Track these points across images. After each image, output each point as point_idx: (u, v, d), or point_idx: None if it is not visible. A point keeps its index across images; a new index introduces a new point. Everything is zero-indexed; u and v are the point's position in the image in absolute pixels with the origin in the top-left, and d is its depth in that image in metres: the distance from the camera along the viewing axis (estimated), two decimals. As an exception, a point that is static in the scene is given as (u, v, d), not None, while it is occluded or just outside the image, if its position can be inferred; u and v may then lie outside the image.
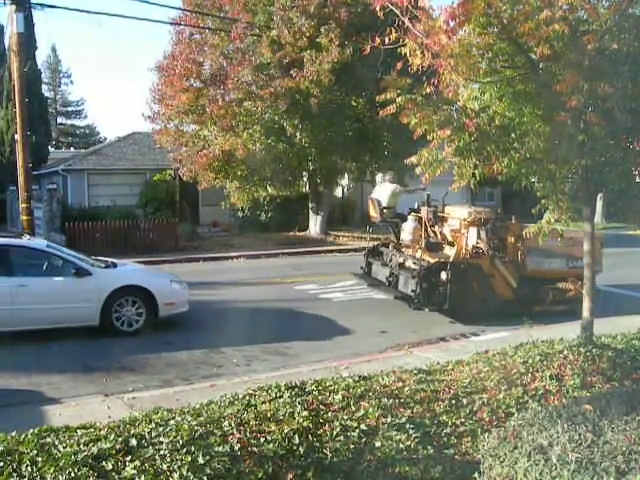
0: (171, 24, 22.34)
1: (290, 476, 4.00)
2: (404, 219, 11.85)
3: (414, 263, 11.10)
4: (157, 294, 10.00)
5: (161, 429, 4.32)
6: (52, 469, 3.72)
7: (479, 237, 10.82)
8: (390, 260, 11.99)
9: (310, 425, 4.54)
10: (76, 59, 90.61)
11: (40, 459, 3.84)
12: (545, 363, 6.08)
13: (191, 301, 10.62)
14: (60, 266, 9.80)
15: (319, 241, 22.99)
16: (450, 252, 11.09)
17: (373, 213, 12.65)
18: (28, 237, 11.16)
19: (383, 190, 12.60)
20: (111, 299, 9.69)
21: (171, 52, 22.21)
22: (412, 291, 10.61)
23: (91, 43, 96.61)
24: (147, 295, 9.93)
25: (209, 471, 3.80)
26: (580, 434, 4.07)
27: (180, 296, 10.41)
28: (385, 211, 12.21)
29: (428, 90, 6.01)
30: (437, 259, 10.85)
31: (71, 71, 65.04)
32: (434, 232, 11.54)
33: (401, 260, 11.62)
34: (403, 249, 11.98)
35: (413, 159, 6.35)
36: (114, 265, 10.71)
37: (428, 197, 11.56)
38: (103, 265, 10.41)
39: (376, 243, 13.20)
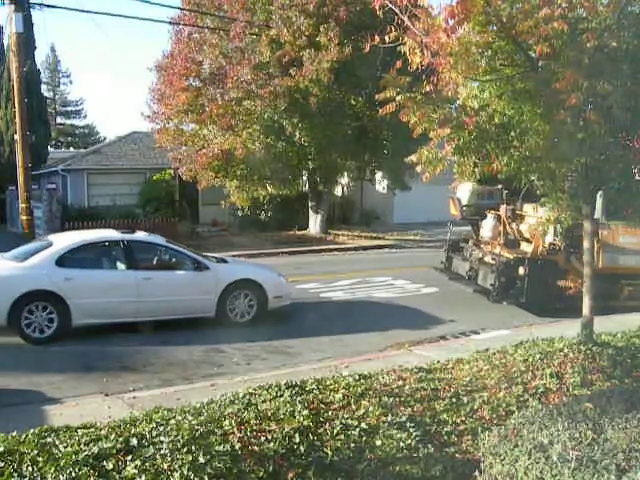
0: (170, 23, 22.34)
1: (291, 475, 4.00)
2: (484, 217, 12.47)
3: (492, 258, 11.62)
4: (267, 287, 10.53)
5: (162, 428, 4.32)
6: (53, 469, 3.72)
7: (555, 234, 11.18)
8: (470, 255, 12.57)
9: (311, 424, 4.55)
10: (75, 59, 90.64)
11: (41, 459, 3.83)
12: (545, 361, 6.09)
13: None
14: (180, 260, 10.37)
15: (319, 240, 22.99)
16: (527, 248, 11.56)
17: (454, 211, 13.35)
18: (145, 233, 11.57)
19: (464, 189, 13.21)
20: (226, 292, 10.21)
21: (170, 51, 22.19)
22: (491, 285, 11.18)
23: (90, 43, 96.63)
24: (258, 288, 10.43)
25: (210, 470, 3.80)
26: (580, 432, 4.07)
27: (286, 290, 10.95)
28: (465, 209, 12.95)
29: (427, 88, 6.01)
30: (515, 255, 11.32)
31: (70, 71, 65.11)
32: (512, 229, 12.02)
33: (480, 255, 12.18)
34: (482, 245, 12.59)
35: (413, 158, 6.34)
36: (224, 260, 11.31)
37: (506, 195, 11.85)
38: (215, 260, 10.91)
39: (457, 239, 13.95)
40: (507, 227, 11.90)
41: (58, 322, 9.29)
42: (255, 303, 10.44)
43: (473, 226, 13.30)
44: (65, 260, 9.58)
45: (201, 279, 10.16)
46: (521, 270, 10.90)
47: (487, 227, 12.39)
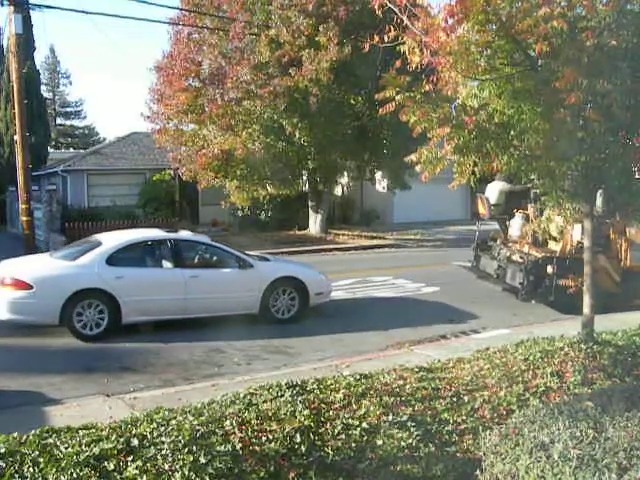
0: (169, 24, 22.33)
1: (292, 475, 4.00)
2: (512, 216, 12.64)
3: (521, 257, 11.74)
4: (309, 285, 10.74)
5: (163, 429, 4.32)
6: (54, 470, 3.72)
7: (583, 233, 11.15)
8: (498, 254, 12.67)
9: (311, 424, 4.55)
10: (75, 60, 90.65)
11: (42, 460, 3.83)
12: (546, 360, 6.08)
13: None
14: (225, 259, 10.57)
15: (319, 240, 22.99)
16: (555, 247, 11.70)
17: (482, 210, 13.50)
18: (189, 232, 11.81)
19: (492, 188, 13.42)
20: (269, 289, 10.41)
21: (170, 52, 22.18)
22: (520, 283, 11.33)
23: (89, 43, 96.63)
24: (300, 285, 10.63)
25: (211, 470, 3.80)
26: (581, 431, 4.07)
27: (326, 287, 11.17)
28: (493, 208, 13.09)
29: (427, 88, 6.01)
30: (543, 254, 11.43)
31: (70, 72, 65.22)
32: (539, 228, 12.01)
33: (509, 254, 12.30)
34: (510, 244, 12.70)
35: (413, 157, 6.34)
36: (266, 258, 11.62)
37: (535, 195, 11.96)
38: (257, 258, 11.16)
39: (485, 237, 14.00)
40: (535, 226, 11.98)
41: (108, 319, 9.51)
42: (297, 300, 10.65)
43: (501, 225, 13.48)
44: (115, 259, 9.80)
45: (245, 277, 10.37)
46: (549, 269, 11.02)
47: (515, 226, 12.56)
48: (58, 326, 9.45)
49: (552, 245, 11.86)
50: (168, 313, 9.96)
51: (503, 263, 12.21)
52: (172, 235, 10.73)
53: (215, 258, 10.68)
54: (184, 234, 11.16)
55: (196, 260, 10.62)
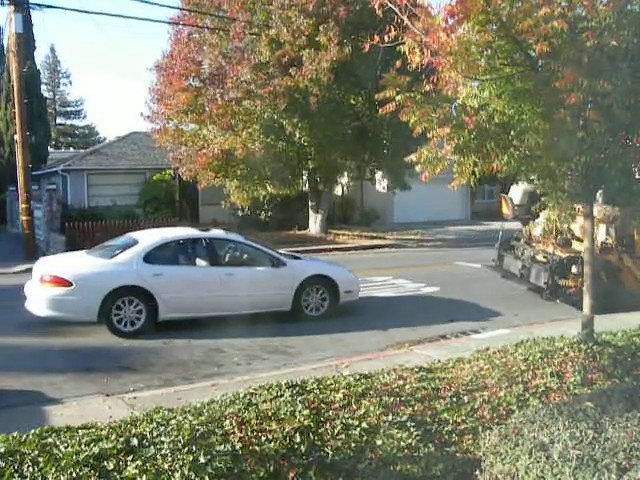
0: (170, 23, 22.34)
1: (291, 475, 4.00)
2: (536, 216, 12.66)
3: (544, 257, 11.83)
4: (339, 283, 10.94)
5: (162, 428, 4.32)
6: (53, 469, 3.72)
7: (608, 234, 11.49)
8: (522, 254, 12.73)
9: (311, 424, 4.54)
10: (75, 59, 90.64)
11: (41, 459, 3.83)
12: (546, 360, 6.08)
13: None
14: (259, 257, 10.76)
15: (319, 240, 23.00)
16: (579, 247, 11.69)
17: (506, 210, 13.75)
18: (222, 231, 11.97)
19: (516, 189, 13.68)
20: (301, 287, 10.62)
21: (170, 52, 22.19)
22: (544, 283, 11.43)
23: (90, 43, 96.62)
24: (330, 283, 10.84)
25: (210, 470, 3.80)
26: (581, 431, 4.07)
27: (356, 285, 11.35)
28: (517, 208, 13.37)
29: (427, 88, 6.01)
30: (568, 254, 11.49)
31: (70, 71, 65.23)
32: (563, 228, 12.19)
33: (532, 254, 12.37)
34: (534, 244, 12.78)
35: (413, 157, 6.34)
36: (297, 257, 11.83)
37: None
38: (289, 257, 11.38)
39: (509, 237, 14.06)
40: (558, 226, 12.12)
41: (146, 316, 9.67)
42: (327, 298, 10.85)
43: (525, 225, 13.59)
44: (152, 257, 9.96)
45: (279, 275, 10.54)
46: (574, 269, 11.09)
47: (539, 226, 12.64)
48: (96, 323, 9.64)
49: (576, 245, 11.90)
50: (203, 310, 10.11)
51: (527, 263, 12.30)
52: (207, 233, 10.95)
53: (249, 256, 10.85)
54: (217, 233, 11.37)
55: (231, 258, 10.79)
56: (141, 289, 9.63)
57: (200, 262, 10.47)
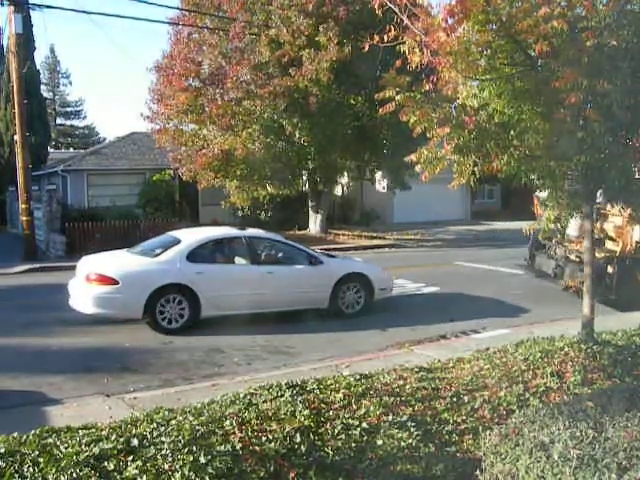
0: (169, 24, 22.35)
1: (292, 475, 4.00)
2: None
3: (577, 256, 11.85)
4: (374, 281, 11.14)
5: (162, 429, 4.32)
6: (54, 470, 3.72)
7: None
8: (554, 253, 12.80)
9: (311, 424, 4.54)
10: (75, 59, 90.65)
11: (42, 460, 3.83)
12: (546, 360, 6.08)
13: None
14: (297, 255, 10.95)
15: (319, 240, 22.99)
16: (613, 247, 11.87)
17: (538, 210, 13.76)
18: (259, 230, 12.25)
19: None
20: (338, 284, 10.82)
21: (170, 52, 22.19)
22: (580, 282, 11.29)
23: (89, 43, 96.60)
24: (366, 281, 11.05)
25: (211, 470, 3.80)
26: (581, 431, 4.07)
27: (389, 282, 11.60)
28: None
29: (427, 88, 6.01)
30: (603, 254, 11.55)
31: (70, 72, 65.21)
32: (596, 228, 12.25)
33: (566, 254, 12.45)
34: (566, 243, 12.83)
35: (413, 157, 6.34)
36: (332, 255, 12.11)
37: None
38: (325, 255, 11.59)
39: (541, 237, 14.08)
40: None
41: (189, 314, 9.86)
42: (363, 295, 11.04)
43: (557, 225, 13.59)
44: (195, 255, 10.15)
45: (317, 273, 10.74)
46: (610, 268, 11.20)
47: (573, 226, 12.58)
48: (141, 320, 9.87)
49: (609, 245, 12.02)
50: (243, 308, 10.22)
51: (561, 262, 12.38)
52: (246, 232, 11.15)
53: (287, 255, 10.99)
54: (255, 231, 11.63)
55: (270, 256, 10.90)
56: (185, 287, 9.82)
57: (240, 260, 10.67)
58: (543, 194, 13.48)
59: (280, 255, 10.94)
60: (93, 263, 10.37)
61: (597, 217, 12.27)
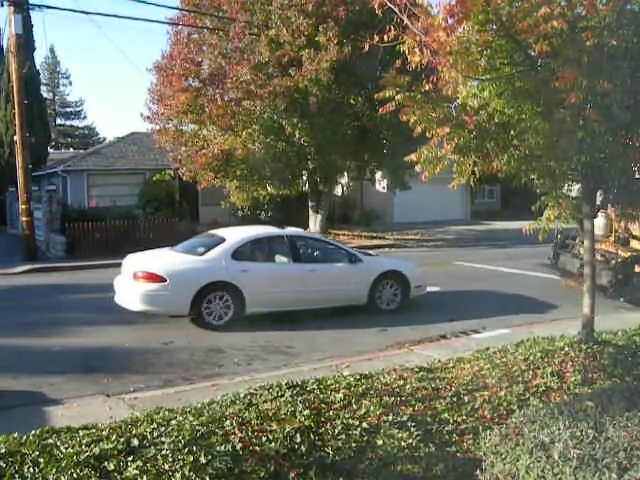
0: (169, 24, 22.32)
1: (292, 475, 4.00)
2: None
3: (602, 256, 12.02)
4: (410, 278, 11.39)
5: (163, 429, 4.32)
6: (54, 470, 3.72)
7: None
8: (579, 252, 12.82)
9: (312, 424, 4.54)
10: (74, 60, 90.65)
11: (42, 460, 3.83)
12: (546, 360, 6.08)
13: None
14: (337, 254, 11.20)
15: (319, 240, 22.93)
16: (638, 246, 12.04)
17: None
18: (298, 229, 12.57)
19: (574, 189, 13.89)
20: (376, 282, 11.05)
21: (169, 52, 22.17)
22: (608, 282, 11.65)
23: (89, 43, 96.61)
24: (402, 278, 11.30)
25: (211, 471, 3.80)
26: (582, 431, 4.07)
27: (424, 280, 11.83)
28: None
29: (427, 88, 6.01)
30: (630, 253, 11.74)
31: (70, 72, 65.20)
32: (620, 227, 12.55)
33: None
34: None
35: (413, 157, 6.34)
36: (369, 254, 12.35)
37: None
38: (363, 253, 11.80)
39: (565, 236, 14.26)
40: (615, 225, 12.38)
41: (234, 310, 10.04)
42: (399, 292, 11.28)
43: (581, 224, 13.59)
44: (239, 254, 10.39)
45: (356, 271, 10.96)
46: (637, 268, 11.33)
47: (598, 225, 12.81)
48: (187, 316, 10.13)
49: (635, 244, 12.14)
50: (286, 305, 10.50)
51: None
52: (287, 231, 11.40)
53: (328, 253, 11.25)
54: (295, 230, 11.93)
55: (311, 255, 11.18)
56: (230, 284, 10.00)
57: (282, 259, 10.89)
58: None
59: (321, 253, 11.22)
60: (139, 261, 10.57)
61: (620, 217, 12.46)
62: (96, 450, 3.93)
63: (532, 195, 7.06)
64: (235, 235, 10.89)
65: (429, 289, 13.37)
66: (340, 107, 20.35)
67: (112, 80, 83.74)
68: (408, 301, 11.37)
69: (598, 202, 6.76)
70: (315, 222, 24.50)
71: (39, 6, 17.86)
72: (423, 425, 4.73)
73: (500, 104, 5.86)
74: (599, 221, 12.82)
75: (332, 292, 10.75)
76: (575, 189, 6.94)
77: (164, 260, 10.54)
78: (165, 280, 9.77)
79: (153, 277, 9.82)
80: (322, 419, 4.67)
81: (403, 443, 4.42)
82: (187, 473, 3.74)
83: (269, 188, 22.54)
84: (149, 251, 11.48)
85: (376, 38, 5.85)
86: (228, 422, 4.49)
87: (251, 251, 10.73)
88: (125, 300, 10.14)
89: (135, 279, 9.89)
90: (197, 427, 4.33)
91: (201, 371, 8.07)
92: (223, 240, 10.61)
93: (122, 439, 4.11)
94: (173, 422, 4.49)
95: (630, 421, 4.24)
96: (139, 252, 11.37)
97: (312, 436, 4.40)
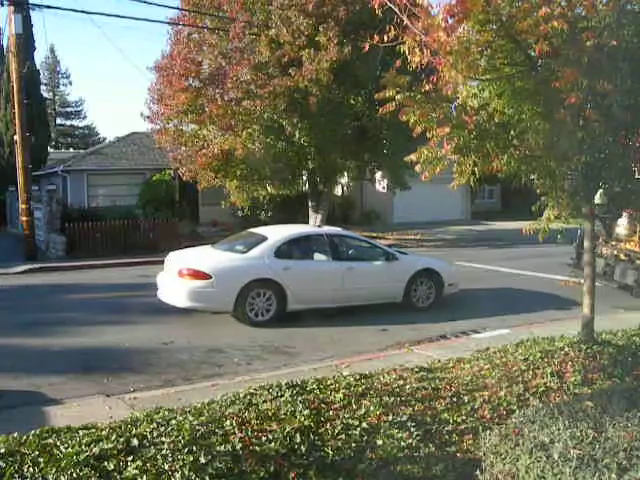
0: (169, 24, 22.29)
1: (292, 475, 4.00)
2: (617, 215, 12.85)
3: (626, 255, 12.15)
4: (444, 276, 11.60)
5: (162, 429, 4.32)
6: (54, 470, 3.72)
7: None
8: (601, 252, 12.95)
9: (311, 424, 4.55)
10: (74, 60, 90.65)
11: (42, 460, 3.83)
12: (546, 360, 6.09)
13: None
14: (374, 252, 11.45)
15: (319, 240, 22.92)
16: None
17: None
18: (334, 227, 12.84)
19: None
20: (411, 280, 11.29)
21: (169, 52, 22.15)
22: (634, 281, 11.80)
23: (89, 43, 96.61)
24: (437, 276, 11.52)
25: (211, 471, 3.80)
26: (581, 431, 4.07)
27: (457, 278, 12.06)
28: (597, 207, 13.78)
29: (427, 88, 6.01)
30: None
31: (70, 72, 65.16)
32: None
33: (616, 253, 12.66)
34: (614, 242, 13.08)
35: (413, 157, 6.34)
36: (404, 252, 12.65)
37: None
38: (398, 252, 12.05)
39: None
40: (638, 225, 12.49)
41: (276, 307, 10.31)
42: (434, 290, 11.49)
43: (604, 224, 13.68)
44: (281, 252, 10.65)
45: (392, 268, 11.20)
46: None
47: (623, 225, 12.96)
48: (231, 313, 10.29)
49: None
50: (325, 302, 10.73)
51: (611, 261, 12.52)
52: (326, 230, 11.82)
53: (366, 251, 11.48)
54: (333, 229, 12.20)
55: (349, 253, 11.42)
56: (273, 282, 10.26)
57: (322, 257, 11.10)
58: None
59: (358, 251, 11.47)
60: (184, 258, 10.79)
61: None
62: (96, 450, 3.93)
63: (532, 195, 7.05)
64: (277, 234, 11.14)
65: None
66: (340, 107, 20.32)
67: (112, 80, 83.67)
68: (442, 298, 11.55)
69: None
70: (315, 222, 24.45)
71: (39, 6, 17.89)
72: (423, 425, 4.73)
73: (500, 104, 5.87)
74: (623, 221, 12.92)
75: (370, 290, 10.96)
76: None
77: (209, 258, 10.74)
78: (211, 277, 9.99)
79: (199, 274, 10.04)
80: (322, 419, 4.68)
81: (403, 443, 4.42)
82: (187, 473, 3.74)
83: (269, 188, 22.53)
84: (190, 249, 11.83)
85: (376, 38, 5.84)
86: (228, 422, 4.49)
87: (292, 249, 10.95)
88: (170, 297, 10.39)
89: (180, 276, 10.11)
90: (197, 427, 4.33)
91: (201, 371, 8.07)
92: (265, 238, 10.86)
93: (122, 439, 4.11)
94: (173, 422, 4.49)
95: (630, 421, 4.24)
96: (181, 249, 11.81)
97: (312, 436, 4.40)
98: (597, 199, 13.90)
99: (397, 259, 11.31)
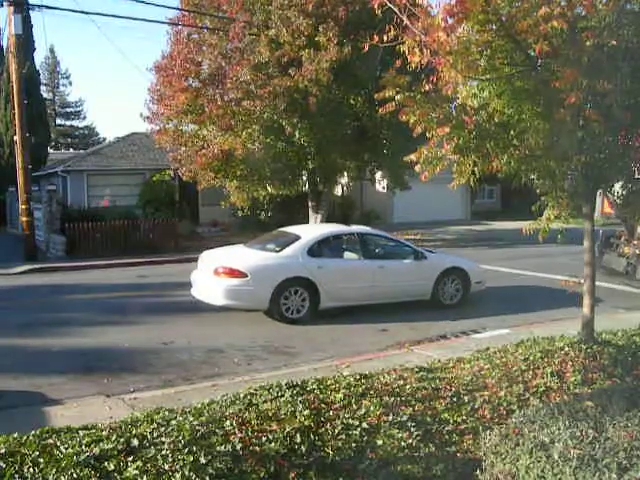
0: (169, 24, 22.29)
1: (292, 475, 4.00)
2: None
3: None
4: (471, 274, 11.80)
5: (163, 429, 4.32)
6: (54, 470, 3.72)
7: None
8: (624, 251, 13.21)
9: (312, 424, 4.54)
10: (74, 60, 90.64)
11: (42, 460, 3.83)
12: (546, 360, 6.08)
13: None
14: (403, 251, 11.66)
15: (319, 240, 22.90)
16: None
17: (608, 209, 14.74)
18: (364, 227, 13.01)
19: (618, 187, 14.51)
20: (439, 278, 11.47)
21: (169, 52, 22.15)
22: None
23: (89, 44, 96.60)
24: (464, 275, 11.71)
25: (211, 471, 3.80)
26: (582, 431, 4.07)
27: (483, 276, 12.24)
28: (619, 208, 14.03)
29: (427, 88, 6.01)
30: None
31: (70, 72, 65.15)
32: None
33: (638, 252, 12.88)
34: (636, 242, 13.22)
35: (412, 157, 6.33)
36: (431, 251, 12.77)
37: None
38: (426, 251, 12.26)
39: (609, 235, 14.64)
40: None
41: (309, 305, 10.49)
42: (461, 288, 11.70)
43: (627, 223, 13.82)
44: (315, 250, 10.84)
45: (421, 267, 11.41)
46: None
47: None
48: (266, 310, 10.47)
49: None
50: (356, 300, 10.94)
51: (633, 260, 12.69)
52: (357, 229, 12.01)
53: (395, 250, 11.67)
54: (364, 228, 12.40)
55: (380, 252, 11.59)
56: (306, 280, 10.43)
57: (353, 255, 11.27)
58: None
59: (388, 250, 11.64)
60: (218, 257, 10.98)
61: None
62: (96, 450, 3.93)
63: (532, 195, 7.05)
64: (310, 233, 11.38)
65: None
66: (340, 107, 20.32)
67: (112, 80, 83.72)
68: (469, 296, 11.72)
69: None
70: (315, 222, 24.46)
71: (39, 6, 17.90)
72: (423, 425, 4.73)
73: (500, 104, 5.86)
74: None
75: (400, 288, 11.13)
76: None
77: (244, 257, 10.89)
78: (247, 275, 10.14)
79: (235, 273, 10.18)
80: (322, 419, 4.67)
81: (403, 443, 4.42)
82: (187, 473, 3.74)
83: (269, 188, 22.51)
84: (223, 247, 12.06)
85: (376, 38, 5.85)
86: (228, 422, 4.48)
87: (325, 248, 11.11)
88: (206, 295, 10.53)
89: (217, 274, 10.23)
90: (197, 427, 4.33)
91: (201, 371, 8.07)
92: (298, 237, 11.01)
93: (122, 439, 4.11)
94: (173, 422, 4.49)
95: (630, 421, 4.24)
96: (217, 248, 11.99)
97: (312, 436, 4.40)
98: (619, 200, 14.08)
99: (426, 258, 11.49)
